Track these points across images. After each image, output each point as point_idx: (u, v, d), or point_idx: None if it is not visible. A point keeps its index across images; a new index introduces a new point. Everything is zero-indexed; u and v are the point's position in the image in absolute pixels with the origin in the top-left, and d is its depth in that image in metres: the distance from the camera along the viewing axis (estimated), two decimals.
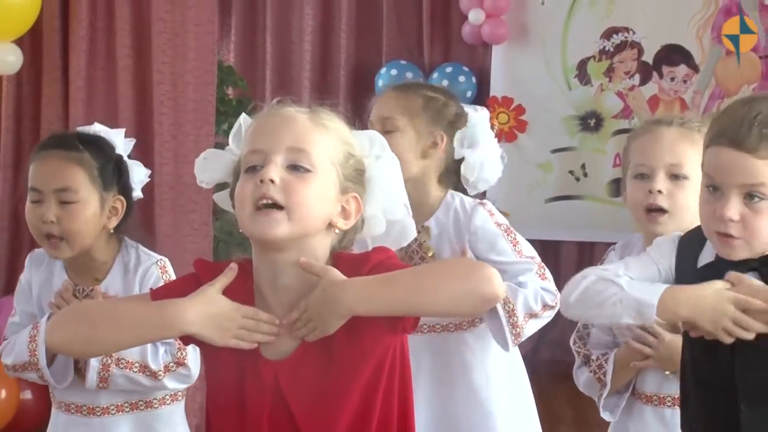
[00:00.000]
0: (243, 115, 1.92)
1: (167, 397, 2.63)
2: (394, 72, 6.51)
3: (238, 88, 6.15)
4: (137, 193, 2.65)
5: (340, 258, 1.84)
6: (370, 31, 6.95)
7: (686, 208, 2.34)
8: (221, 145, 5.21)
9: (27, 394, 5.02)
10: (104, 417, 2.60)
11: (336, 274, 1.76)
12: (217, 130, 5.16)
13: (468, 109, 2.89)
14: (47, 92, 5.39)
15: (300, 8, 7.02)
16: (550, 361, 6.03)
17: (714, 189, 1.95)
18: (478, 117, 2.87)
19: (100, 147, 2.57)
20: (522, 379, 3.00)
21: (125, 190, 2.58)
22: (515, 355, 2.93)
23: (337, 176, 1.80)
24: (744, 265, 1.97)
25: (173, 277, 2.57)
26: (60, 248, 2.50)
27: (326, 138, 1.79)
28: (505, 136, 6.50)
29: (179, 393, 2.67)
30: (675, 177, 2.39)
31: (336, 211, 1.80)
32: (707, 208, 1.97)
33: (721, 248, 1.96)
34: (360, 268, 1.79)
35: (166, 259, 2.62)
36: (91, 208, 2.51)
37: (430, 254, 2.73)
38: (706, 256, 2.03)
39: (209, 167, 1.94)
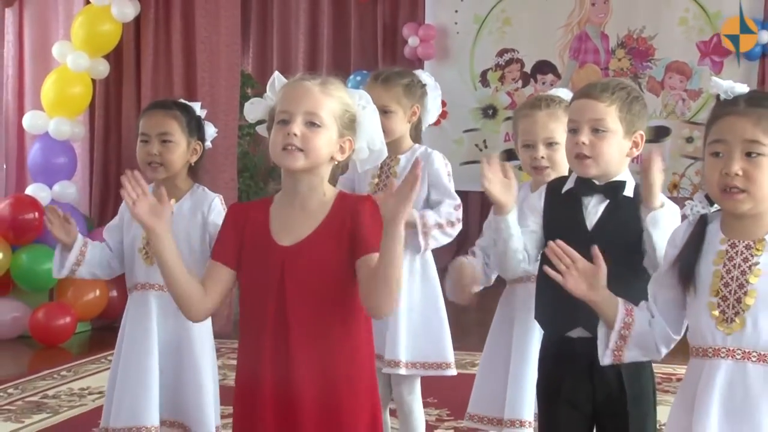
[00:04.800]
0: (276, 72, 2.00)
1: None
2: (358, 78, 6.75)
3: (255, 89, 6.53)
4: (208, 144, 2.75)
5: (343, 195, 1.90)
6: (342, 51, 7.38)
7: (561, 162, 2.44)
8: (243, 128, 5.63)
9: (114, 293, 5.24)
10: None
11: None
12: (240, 117, 5.49)
13: (419, 73, 3.00)
14: (126, 91, 5.85)
15: (296, 35, 7.49)
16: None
17: (573, 131, 2.07)
18: (426, 77, 3.01)
19: (186, 108, 2.69)
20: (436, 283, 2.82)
21: (202, 139, 2.68)
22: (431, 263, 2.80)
23: (337, 127, 1.85)
24: (593, 190, 2.08)
25: (225, 208, 2.56)
26: (158, 171, 2.60)
27: (331, 101, 1.84)
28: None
29: None
30: (549, 145, 2.50)
31: (336, 150, 1.86)
32: (569, 143, 2.08)
33: (579, 168, 2.06)
34: (359, 205, 1.83)
35: (221, 196, 2.69)
36: (182, 147, 2.62)
37: (396, 176, 2.86)
38: (567, 186, 2.14)
39: (254, 109, 2.02)
